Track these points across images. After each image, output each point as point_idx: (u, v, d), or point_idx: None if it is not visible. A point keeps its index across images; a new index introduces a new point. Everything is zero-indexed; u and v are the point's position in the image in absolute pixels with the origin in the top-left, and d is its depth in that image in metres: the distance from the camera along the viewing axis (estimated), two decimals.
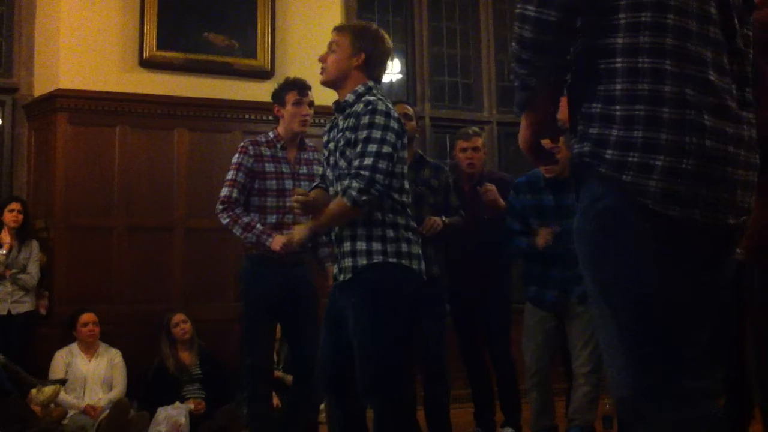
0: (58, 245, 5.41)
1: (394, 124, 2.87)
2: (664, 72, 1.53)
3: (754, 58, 1.70)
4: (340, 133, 2.93)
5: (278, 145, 4.04)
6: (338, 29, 3.06)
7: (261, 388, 3.99)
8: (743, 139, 1.59)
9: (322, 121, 4.50)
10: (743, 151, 1.58)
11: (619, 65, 1.56)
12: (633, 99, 1.54)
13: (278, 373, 4.94)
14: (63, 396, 4.87)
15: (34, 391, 4.71)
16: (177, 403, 4.97)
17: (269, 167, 3.99)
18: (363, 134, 2.83)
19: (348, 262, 2.87)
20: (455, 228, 4.25)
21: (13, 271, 5.13)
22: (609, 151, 1.55)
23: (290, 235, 3.54)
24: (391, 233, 2.86)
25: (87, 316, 5.13)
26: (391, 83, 6.80)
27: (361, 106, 2.88)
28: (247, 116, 5.86)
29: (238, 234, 3.92)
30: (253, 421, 4.03)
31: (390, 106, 2.93)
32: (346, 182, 2.82)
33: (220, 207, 3.93)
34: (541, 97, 1.61)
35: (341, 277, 2.90)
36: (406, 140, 2.99)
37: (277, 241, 3.80)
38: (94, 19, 5.57)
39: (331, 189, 2.99)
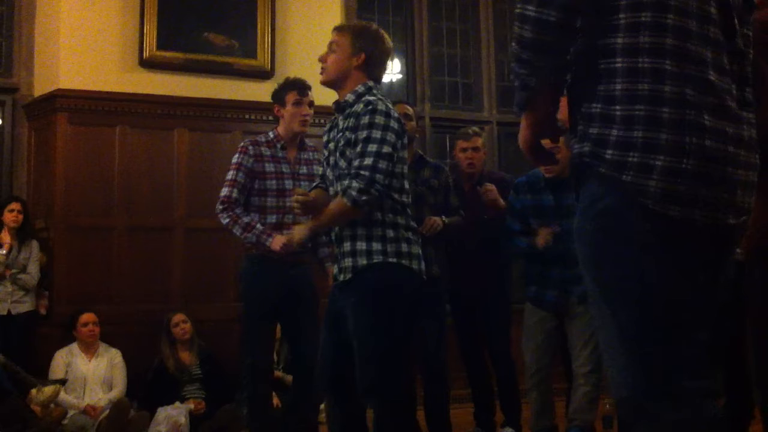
0: (58, 245, 5.41)
1: (394, 124, 2.87)
2: (664, 72, 1.52)
3: (754, 58, 1.70)
4: (340, 133, 2.93)
5: (278, 145, 4.05)
6: (338, 29, 3.07)
7: (261, 388, 4.00)
8: (743, 139, 1.58)
9: (322, 121, 4.50)
10: (743, 151, 1.58)
11: (619, 65, 1.56)
12: (633, 99, 1.53)
13: (278, 373, 4.94)
14: (63, 396, 4.87)
15: (34, 391, 4.71)
16: (177, 403, 4.97)
17: (269, 167, 3.99)
18: (363, 134, 2.84)
19: (348, 262, 2.87)
20: (455, 228, 4.25)
21: (13, 271, 5.13)
22: (609, 151, 1.55)
23: (290, 235, 3.54)
24: (391, 233, 2.86)
25: (87, 316, 5.13)
26: (391, 83, 6.80)
27: (361, 106, 2.88)
28: (247, 116, 5.86)
29: (238, 234, 3.92)
30: (253, 421, 4.03)
31: (390, 106, 2.93)
32: (346, 182, 2.82)
33: (220, 207, 3.93)
34: (541, 97, 1.61)
35: (341, 277, 2.90)
36: (406, 140, 2.99)
37: (277, 241, 3.80)
38: (94, 19, 5.57)
39: (331, 189, 2.99)
